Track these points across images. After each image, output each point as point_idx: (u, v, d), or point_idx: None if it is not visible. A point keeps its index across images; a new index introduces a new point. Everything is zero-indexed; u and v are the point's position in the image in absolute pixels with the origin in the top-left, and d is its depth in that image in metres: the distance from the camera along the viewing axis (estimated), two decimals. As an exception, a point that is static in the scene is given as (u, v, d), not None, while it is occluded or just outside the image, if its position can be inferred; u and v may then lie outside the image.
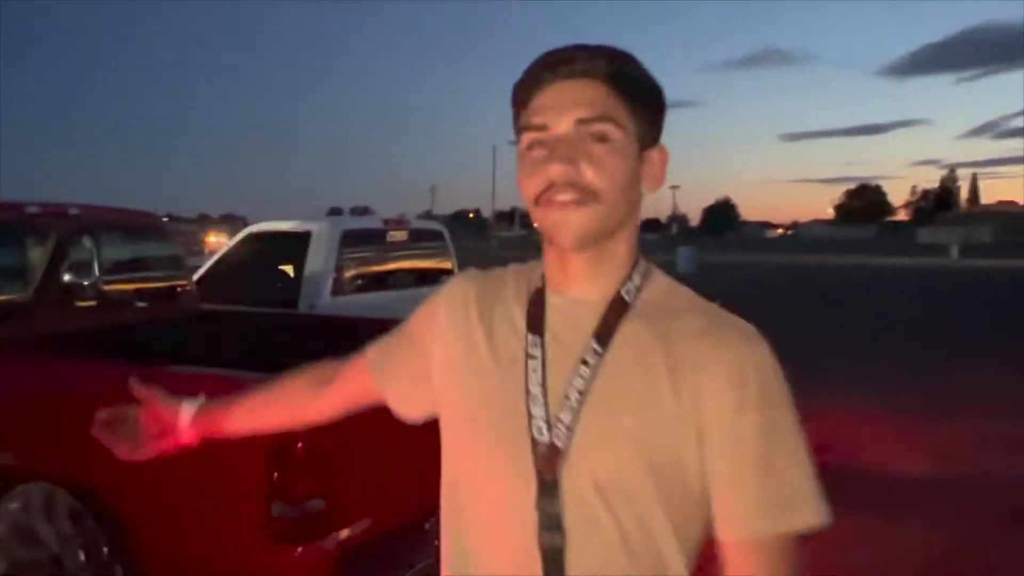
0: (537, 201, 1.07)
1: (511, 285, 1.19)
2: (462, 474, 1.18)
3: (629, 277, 1.12)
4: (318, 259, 5.89)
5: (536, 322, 1.12)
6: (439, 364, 1.23)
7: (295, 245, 6.05)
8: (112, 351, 3.55)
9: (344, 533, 2.78)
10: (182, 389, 2.94)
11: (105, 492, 2.87)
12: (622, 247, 1.12)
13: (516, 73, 1.10)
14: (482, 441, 1.13)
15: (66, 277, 4.24)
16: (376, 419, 2.90)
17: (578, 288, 1.12)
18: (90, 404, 3.02)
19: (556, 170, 1.04)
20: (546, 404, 1.06)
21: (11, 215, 4.12)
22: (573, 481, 1.03)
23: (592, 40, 1.10)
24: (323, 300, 5.77)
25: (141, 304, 4.67)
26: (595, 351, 1.07)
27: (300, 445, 2.62)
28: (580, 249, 1.08)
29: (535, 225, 1.10)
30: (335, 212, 30.80)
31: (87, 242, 4.53)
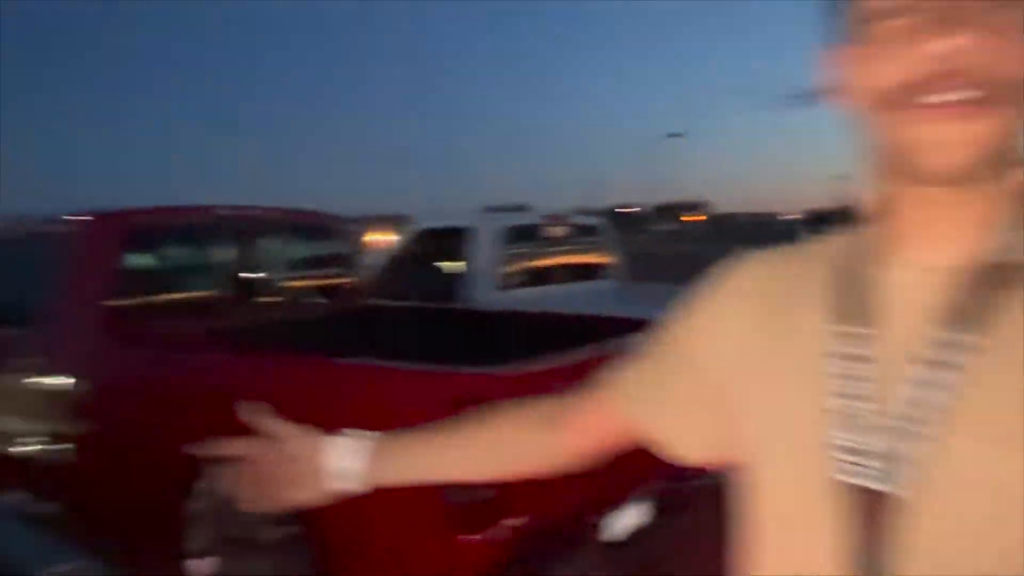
0: (896, 100, 0.68)
1: (813, 263, 0.84)
2: (765, 525, 0.85)
3: (1009, 232, 0.72)
4: (481, 255, 6.02)
5: (857, 307, 0.76)
6: (727, 379, 0.89)
7: (461, 241, 6.21)
8: (288, 343, 3.76)
9: (515, 521, 2.82)
10: (353, 380, 3.11)
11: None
12: (1007, 184, 0.73)
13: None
14: (778, 481, 0.81)
15: (246, 274, 4.55)
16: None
17: (934, 250, 0.74)
18: (271, 393, 3.24)
19: (950, 47, 0.65)
20: (873, 428, 0.71)
21: (201, 217, 4.46)
22: (920, 560, 0.67)
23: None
24: (486, 295, 5.90)
25: (314, 299, 4.93)
26: (962, 345, 0.68)
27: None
28: (959, 182, 0.69)
29: (875, 144, 0.72)
30: (493, 210, 31.42)
31: (267, 241, 4.85)
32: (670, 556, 3.86)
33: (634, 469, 3.45)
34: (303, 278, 4.98)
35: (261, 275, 4.79)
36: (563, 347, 3.15)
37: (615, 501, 3.26)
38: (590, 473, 3.31)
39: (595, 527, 3.13)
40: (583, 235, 7.08)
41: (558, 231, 6.66)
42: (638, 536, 3.36)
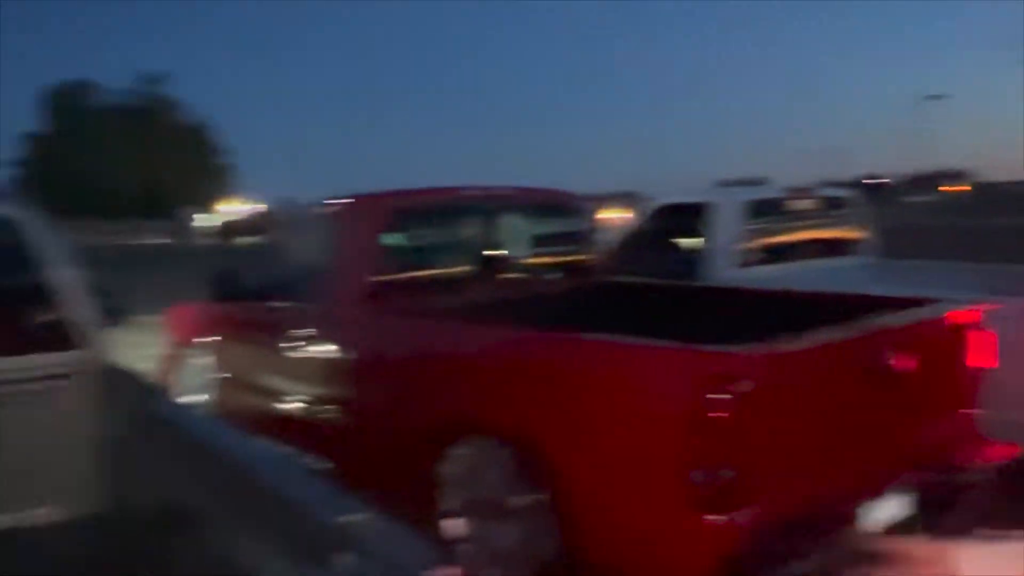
0: None
1: None
2: None
3: None
4: (721, 231, 5.86)
5: None
6: None
7: (700, 217, 6.08)
8: (534, 319, 3.87)
9: (764, 506, 2.75)
10: (595, 357, 3.14)
11: (539, 446, 3.16)
12: None
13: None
14: None
15: (495, 251, 4.74)
16: (812, 392, 2.86)
17: None
18: (523, 368, 3.37)
19: None
20: None
21: (454, 197, 4.71)
22: None
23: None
24: (726, 273, 5.74)
25: (557, 276, 5.04)
26: None
27: (721, 415, 2.64)
28: None
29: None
30: (727, 184, 30.38)
31: (513, 219, 5.02)
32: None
33: (897, 458, 3.26)
34: (544, 255, 5.12)
35: (505, 252, 4.98)
36: (810, 327, 3.01)
37: (875, 491, 3.08)
38: (848, 460, 3.17)
39: (852, 517, 2.98)
40: (831, 209, 6.67)
41: (804, 205, 6.33)
42: (897, 529, 3.16)
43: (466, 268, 4.73)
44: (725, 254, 5.81)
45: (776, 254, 6.20)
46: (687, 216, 6.35)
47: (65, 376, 2.95)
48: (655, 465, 2.81)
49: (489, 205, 4.85)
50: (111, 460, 2.85)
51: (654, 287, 5.20)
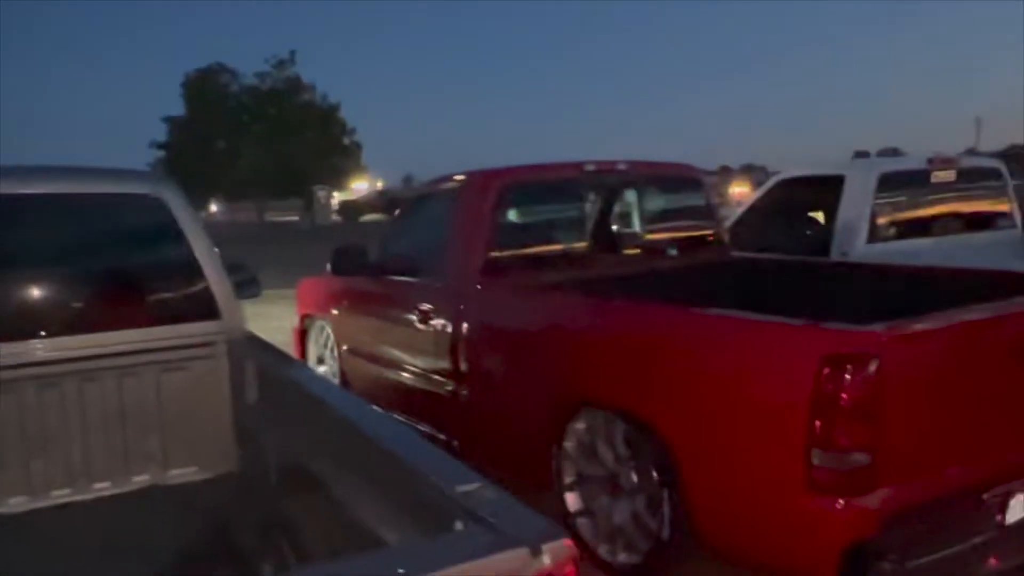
0: None
1: None
2: None
3: None
4: (852, 204, 5.61)
5: None
6: None
7: (828, 191, 5.84)
8: (652, 295, 3.81)
9: (889, 491, 2.63)
10: (712, 333, 3.08)
11: (655, 423, 3.14)
12: None
13: None
14: None
15: (613, 227, 4.71)
16: (944, 370, 2.71)
17: None
18: (640, 343, 3.35)
19: None
20: None
21: (572, 173, 4.69)
22: None
23: None
24: (857, 248, 5.49)
25: (676, 251, 4.96)
26: None
27: (845, 396, 2.55)
28: None
29: None
30: (861, 155, 28.98)
31: (632, 194, 4.96)
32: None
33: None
34: (666, 230, 5.04)
35: (626, 228, 4.93)
36: (942, 305, 2.86)
37: (1016, 477, 2.90)
38: (989, 446, 2.99)
39: (996, 506, 2.82)
40: (974, 180, 6.26)
41: (944, 176, 5.95)
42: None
43: (587, 244, 4.71)
44: (857, 228, 5.56)
45: (913, 228, 5.89)
46: (817, 189, 6.11)
47: (208, 344, 3.13)
48: (775, 445, 2.73)
49: (609, 180, 4.80)
50: (246, 424, 3.02)
51: (778, 263, 5.04)
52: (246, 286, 3.95)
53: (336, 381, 5.79)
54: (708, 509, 3.01)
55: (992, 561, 2.78)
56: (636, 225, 4.93)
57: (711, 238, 5.16)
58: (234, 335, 3.13)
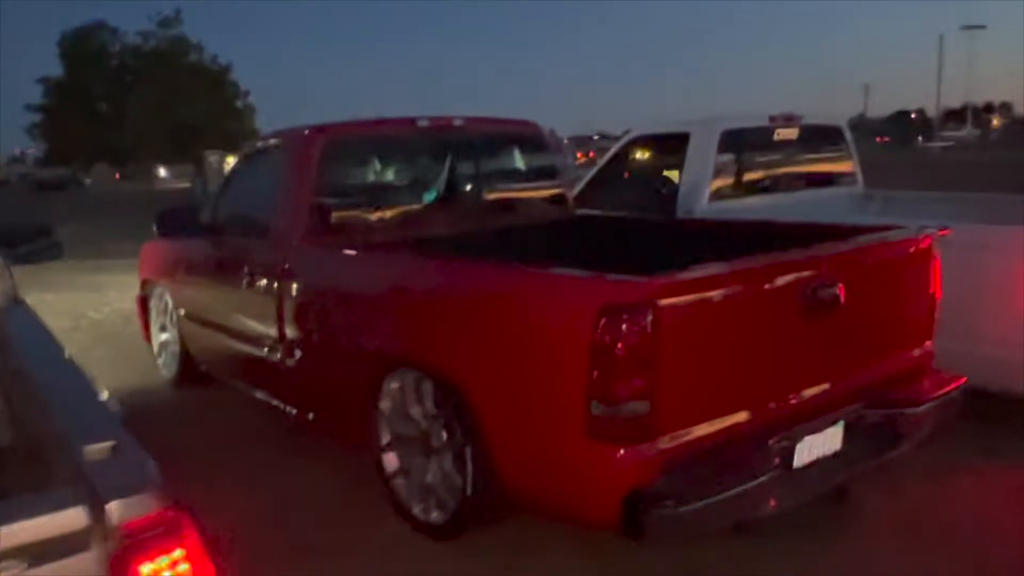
0: None
1: None
2: None
3: None
4: (695, 163, 5.67)
5: None
6: None
7: (674, 149, 5.89)
8: (478, 252, 3.77)
9: (668, 439, 2.67)
10: (498, 284, 3.04)
11: (457, 379, 3.10)
12: None
13: None
14: None
15: (448, 185, 4.62)
16: (726, 319, 2.74)
17: None
18: (439, 299, 3.29)
19: None
20: None
21: (405, 129, 4.57)
22: None
23: None
24: (701, 206, 5.56)
25: (516, 210, 4.91)
26: None
27: (621, 346, 2.55)
28: None
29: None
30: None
31: (469, 152, 4.88)
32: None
33: (833, 391, 3.15)
34: (506, 188, 4.97)
35: (465, 186, 4.85)
36: (744, 254, 2.91)
37: (802, 424, 2.99)
38: (775, 392, 3.06)
39: (781, 451, 2.89)
40: (819, 138, 6.42)
41: (787, 134, 6.08)
42: (825, 466, 3.07)
43: (419, 202, 4.62)
44: (700, 187, 5.64)
45: (756, 186, 6.01)
46: (666, 147, 6.17)
47: None
48: (557, 396, 2.72)
49: (445, 136, 4.71)
50: None
51: (616, 220, 5.07)
52: (47, 250, 3.73)
53: (177, 349, 5.58)
54: (507, 463, 2.99)
55: (771, 503, 2.85)
56: (473, 183, 4.85)
57: (553, 197, 5.14)
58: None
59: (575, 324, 2.65)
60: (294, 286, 4.00)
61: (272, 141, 4.70)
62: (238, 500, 3.76)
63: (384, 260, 3.77)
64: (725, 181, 5.80)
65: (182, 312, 5.34)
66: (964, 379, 3.54)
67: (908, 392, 3.41)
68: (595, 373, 2.58)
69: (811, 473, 3.06)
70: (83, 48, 40.54)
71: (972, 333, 3.97)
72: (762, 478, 2.76)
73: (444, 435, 3.27)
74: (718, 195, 5.68)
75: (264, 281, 4.20)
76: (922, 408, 3.37)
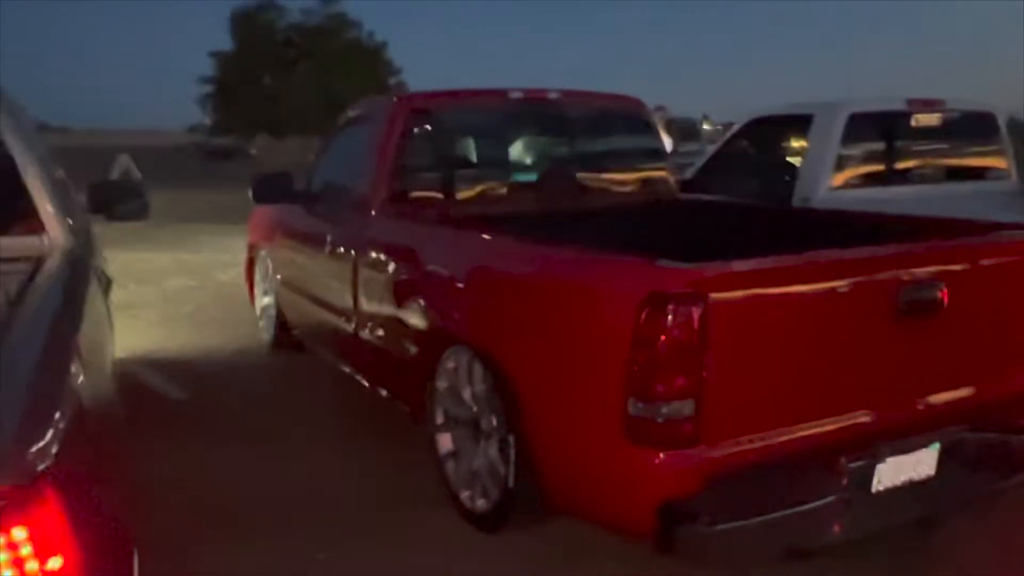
0: None
1: None
2: None
3: None
4: (817, 147, 5.22)
5: None
6: None
7: (797, 132, 5.45)
8: (566, 235, 3.55)
9: (716, 447, 2.39)
10: (553, 268, 2.81)
11: (504, 362, 2.92)
12: None
13: None
14: None
15: (542, 162, 4.42)
16: (792, 317, 2.43)
17: None
18: (493, 278, 3.11)
19: None
20: None
21: (496, 101, 4.40)
22: None
23: None
24: (820, 193, 5.12)
25: (611, 192, 4.65)
26: None
27: (664, 339, 2.29)
28: None
29: None
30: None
31: (565, 128, 4.65)
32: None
33: (923, 408, 2.76)
34: (602, 168, 4.71)
35: (562, 164, 4.64)
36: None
37: (887, 441, 2.62)
38: (850, 405, 2.68)
39: (848, 471, 2.54)
40: (968, 126, 5.78)
41: (928, 121, 5.50)
42: (913, 493, 2.69)
43: (507, 179, 4.44)
44: (821, 173, 5.19)
45: (887, 175, 5.48)
46: (786, 131, 5.73)
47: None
48: (597, 390, 2.49)
49: (539, 110, 4.51)
50: None
51: (722, 206, 4.72)
52: (133, 210, 3.83)
53: (274, 313, 5.68)
54: (544, 456, 2.79)
55: (836, 528, 2.52)
56: (566, 162, 4.63)
57: (655, 180, 4.84)
58: (57, 252, 2.94)
59: (618, 312, 2.41)
60: (369, 257, 3.93)
61: (363, 109, 4.65)
62: (276, 469, 3.77)
63: (444, 235, 3.63)
64: (852, 169, 5.32)
65: (279, 277, 5.41)
66: None
67: (1024, 416, 2.96)
68: (635, 367, 2.34)
69: (895, 499, 2.69)
70: (252, 25, 42.65)
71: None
72: (824, 500, 2.43)
73: (492, 420, 3.10)
74: (842, 184, 5.22)
75: (343, 250, 4.16)
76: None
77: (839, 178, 5.18)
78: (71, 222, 3.12)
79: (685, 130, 19.54)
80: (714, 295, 2.29)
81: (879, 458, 2.60)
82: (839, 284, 2.53)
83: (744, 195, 5.38)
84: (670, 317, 2.28)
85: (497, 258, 3.16)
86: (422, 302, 3.48)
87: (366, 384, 4.22)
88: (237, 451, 4.02)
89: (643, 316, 2.31)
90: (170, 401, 4.81)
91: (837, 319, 2.56)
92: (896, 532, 2.94)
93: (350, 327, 4.14)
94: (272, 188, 4.85)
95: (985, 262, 2.89)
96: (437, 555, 3.09)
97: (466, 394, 3.27)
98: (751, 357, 2.41)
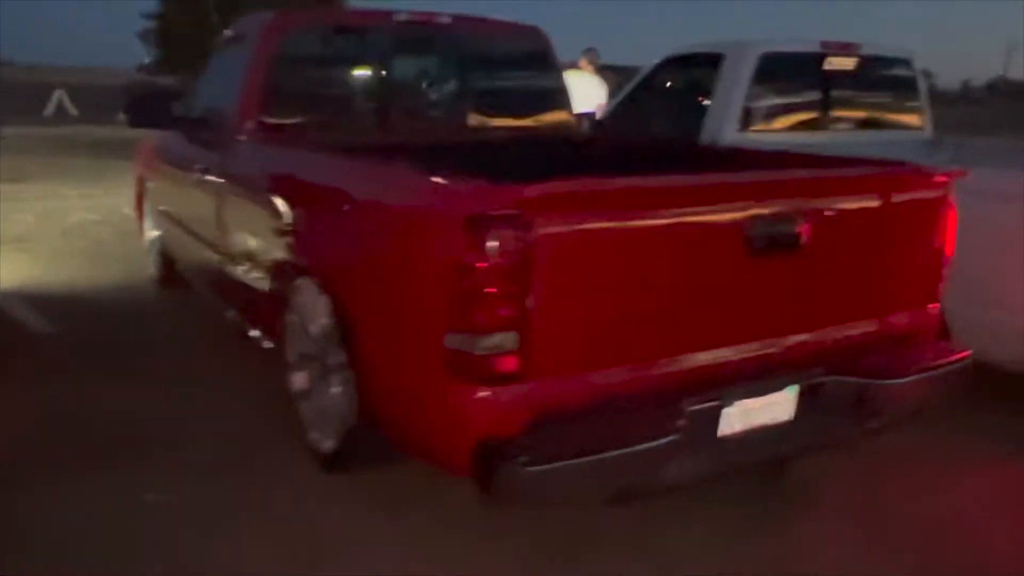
0: None
1: None
2: None
3: None
4: (725, 87, 5.03)
5: None
6: None
7: (708, 72, 5.25)
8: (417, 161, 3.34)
9: (540, 384, 2.23)
10: (422, 196, 2.61)
11: (341, 292, 2.74)
12: None
13: None
14: None
15: (420, 90, 4.18)
16: (634, 245, 2.26)
17: None
18: (331, 199, 2.90)
19: None
20: None
21: (380, 22, 4.14)
22: None
23: None
24: (727, 135, 4.95)
25: (498, 128, 4.41)
26: None
27: (483, 265, 2.11)
28: None
29: None
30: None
31: (455, 55, 4.41)
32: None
33: (779, 349, 2.63)
34: (498, 106, 4.47)
35: (446, 95, 4.40)
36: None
37: (739, 384, 2.49)
38: (697, 344, 2.50)
39: (689, 414, 2.39)
40: (881, 72, 5.64)
41: (841, 64, 5.35)
42: (765, 438, 2.57)
43: (384, 108, 4.18)
44: (728, 113, 5.01)
45: (795, 119, 5.33)
46: (698, 70, 5.53)
47: None
48: (420, 320, 2.32)
49: (427, 34, 4.25)
50: None
51: (615, 141, 4.54)
52: None
53: (159, 247, 5.39)
54: (375, 390, 2.63)
55: (673, 472, 2.39)
56: (452, 93, 4.38)
57: (548, 118, 4.62)
58: None
59: (438, 236, 2.23)
60: (233, 185, 3.68)
61: (240, 29, 4.34)
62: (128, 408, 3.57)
63: (293, 159, 3.39)
64: (761, 111, 5.15)
65: (160, 209, 5.12)
66: (969, 352, 2.95)
67: (889, 360, 2.84)
68: (453, 296, 2.16)
69: (746, 444, 2.57)
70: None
71: (987, 298, 3.35)
72: (656, 443, 2.29)
73: (337, 357, 2.91)
74: (750, 126, 5.05)
75: (211, 178, 3.90)
76: (904, 380, 2.81)
77: (747, 121, 5.01)
78: None
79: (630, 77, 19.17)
80: (538, 216, 2.11)
81: (726, 401, 2.47)
82: (681, 212, 2.36)
83: (655, 133, 5.21)
84: (490, 240, 2.09)
85: (333, 182, 2.94)
86: (274, 232, 3.26)
87: (237, 321, 4.00)
88: (92, 390, 3.78)
89: (460, 239, 2.12)
90: (34, 335, 4.55)
91: (680, 251, 2.39)
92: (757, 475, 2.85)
93: (217, 259, 3.91)
94: (149, 111, 4.52)
95: (854, 199, 2.75)
96: (282, 491, 2.94)
97: (313, 329, 3.07)
98: (583, 288, 2.24)
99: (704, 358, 2.50)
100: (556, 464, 2.16)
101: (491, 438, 2.17)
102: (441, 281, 2.19)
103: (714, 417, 2.47)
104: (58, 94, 24.43)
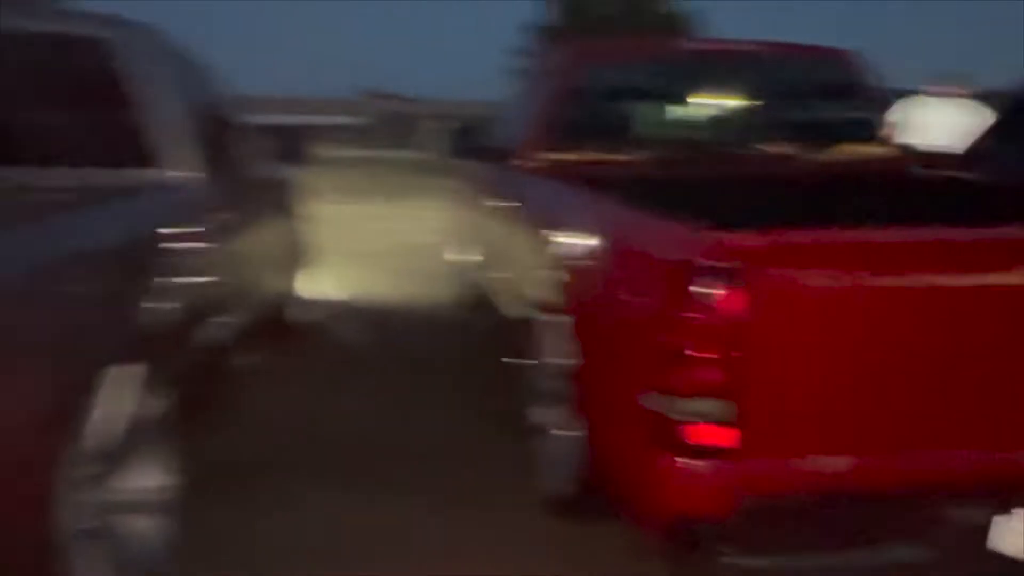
0: None
1: None
2: None
3: None
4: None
5: None
6: None
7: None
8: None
9: (759, 462, 1.91)
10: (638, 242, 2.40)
11: (578, 336, 2.62)
12: None
13: None
14: None
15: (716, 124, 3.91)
16: (883, 309, 1.89)
17: None
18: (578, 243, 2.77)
19: None
20: None
21: (674, 53, 3.98)
22: None
23: None
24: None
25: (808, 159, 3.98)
26: None
27: (693, 318, 1.85)
28: None
29: None
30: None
31: (756, 83, 4.09)
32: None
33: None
34: (798, 131, 4.04)
35: (743, 128, 4.09)
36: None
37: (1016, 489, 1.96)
38: (974, 437, 2.03)
39: (947, 518, 1.92)
40: None
41: None
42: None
43: (675, 140, 3.98)
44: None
45: None
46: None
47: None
48: (627, 385, 2.10)
49: (726, 64, 3.99)
50: None
51: (956, 182, 3.86)
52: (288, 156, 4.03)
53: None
54: (591, 440, 2.46)
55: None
56: (755, 122, 4.04)
57: (871, 146, 4.08)
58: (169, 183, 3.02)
59: (650, 283, 2.02)
60: (513, 214, 3.74)
61: (536, 59, 4.43)
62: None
63: (547, 186, 3.33)
64: None
65: (467, 233, 5.37)
66: None
67: None
68: (662, 354, 1.93)
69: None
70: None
71: None
72: (897, 551, 1.86)
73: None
74: None
75: (498, 204, 3.99)
76: None
77: None
78: (203, 159, 3.18)
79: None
80: (760, 272, 1.81)
81: (1001, 508, 1.94)
82: (948, 275, 1.90)
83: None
84: (701, 292, 1.84)
85: (579, 217, 2.82)
86: (546, 265, 3.22)
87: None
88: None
89: (663, 287, 1.90)
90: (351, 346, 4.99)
91: (943, 321, 1.92)
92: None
93: (503, 286, 3.98)
94: (464, 142, 4.75)
95: None
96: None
97: (556, 370, 2.97)
98: (815, 352, 1.89)
99: (961, 455, 1.99)
100: (768, 560, 1.83)
101: (690, 520, 1.91)
102: (647, 333, 1.98)
103: (983, 526, 1.96)
104: (425, 124, 27.37)
